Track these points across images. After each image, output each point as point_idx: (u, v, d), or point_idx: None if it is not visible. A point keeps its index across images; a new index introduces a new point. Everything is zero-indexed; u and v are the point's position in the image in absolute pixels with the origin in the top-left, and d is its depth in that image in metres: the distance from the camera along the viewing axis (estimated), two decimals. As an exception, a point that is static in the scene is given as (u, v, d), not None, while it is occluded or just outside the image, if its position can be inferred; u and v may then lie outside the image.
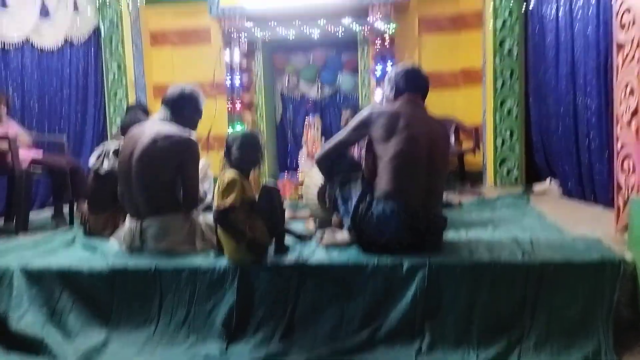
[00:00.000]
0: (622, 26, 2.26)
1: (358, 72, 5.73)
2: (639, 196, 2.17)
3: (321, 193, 3.14)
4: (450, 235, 2.75)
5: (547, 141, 4.55)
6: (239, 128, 5.54)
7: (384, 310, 2.17)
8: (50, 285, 2.40)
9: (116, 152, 3.15)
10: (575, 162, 3.85)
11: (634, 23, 2.16)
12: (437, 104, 5.53)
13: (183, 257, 2.47)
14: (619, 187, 2.40)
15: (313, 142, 6.06)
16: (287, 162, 6.39)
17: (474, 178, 5.46)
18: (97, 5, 5.41)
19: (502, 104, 5.04)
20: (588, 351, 1.96)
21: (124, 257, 2.55)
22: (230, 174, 2.29)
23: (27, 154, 3.69)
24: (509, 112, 5.03)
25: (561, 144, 4.12)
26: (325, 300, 2.24)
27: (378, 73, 5.29)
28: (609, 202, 3.12)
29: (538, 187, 4.66)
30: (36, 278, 2.42)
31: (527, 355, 1.98)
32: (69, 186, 3.73)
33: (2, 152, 3.55)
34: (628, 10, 2.21)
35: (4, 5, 4.34)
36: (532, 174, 4.99)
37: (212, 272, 2.32)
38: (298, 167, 5.97)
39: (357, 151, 3.15)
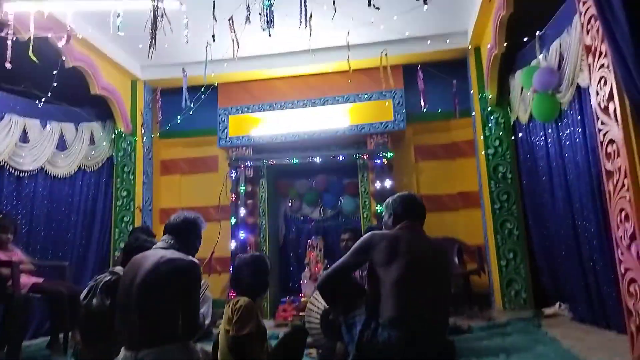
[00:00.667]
0: (608, 156, 2.40)
1: (359, 195, 5.92)
2: (650, 322, 2.11)
3: (324, 318, 3.06)
4: (460, 364, 2.63)
5: (552, 264, 4.52)
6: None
7: None
8: None
9: (105, 287, 3.13)
10: (583, 285, 3.79)
11: (618, 154, 2.30)
12: (439, 225, 5.69)
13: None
14: (630, 313, 2.34)
15: (316, 263, 6.04)
16: (289, 285, 6.29)
17: (482, 300, 5.31)
18: (112, 137, 5.77)
19: (502, 225, 5.11)
20: None
21: (116, 393, 2.40)
22: (244, 301, 2.26)
23: (27, 280, 3.69)
24: (510, 233, 5.08)
25: (566, 267, 4.09)
26: None
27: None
28: (621, 328, 3.00)
29: (548, 311, 4.51)
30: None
31: None
32: (66, 314, 3.66)
33: (4, 277, 3.54)
34: (612, 141, 2.37)
35: (25, 141, 4.66)
36: (541, 297, 4.87)
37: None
38: (300, 289, 5.87)
39: (359, 273, 3.13)
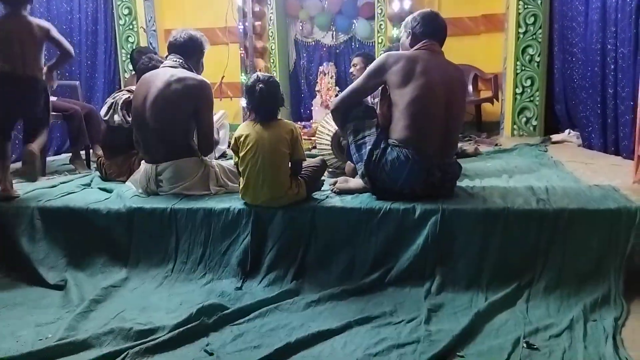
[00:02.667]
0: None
1: (374, 18, 5.55)
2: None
3: (334, 140, 3.12)
4: (464, 183, 2.75)
5: (570, 91, 4.41)
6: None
7: (396, 253, 2.20)
8: (69, 225, 2.48)
9: (125, 104, 3.15)
10: (599, 112, 3.73)
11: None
12: (456, 50, 5.35)
13: (197, 199, 2.50)
14: (640, 138, 2.34)
15: (327, 90, 5.97)
16: (300, 111, 6.33)
17: (491, 128, 5.36)
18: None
19: (523, 51, 4.85)
20: (597, 296, 1.97)
21: (140, 199, 2.59)
22: (295, 127, 2.37)
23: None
24: (531, 60, 4.85)
25: (586, 94, 3.99)
26: (337, 244, 2.27)
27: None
28: (630, 154, 3.05)
29: (556, 137, 4.56)
30: (54, 218, 2.49)
31: (536, 298, 2.00)
32: (85, 131, 3.77)
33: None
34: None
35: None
36: (551, 125, 4.88)
37: (227, 214, 2.36)
38: (312, 116, 5.92)
39: (371, 100, 3.09)
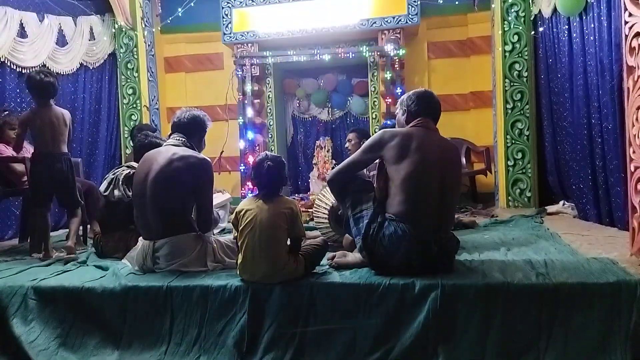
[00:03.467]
0: (632, 50, 2.27)
1: (368, 95, 5.80)
2: (654, 217, 2.15)
3: (332, 213, 3.15)
4: (463, 256, 2.74)
5: (561, 163, 4.52)
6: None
7: (396, 331, 2.15)
8: (63, 305, 2.42)
9: (126, 180, 3.21)
10: (592, 184, 3.82)
11: (643, 47, 2.17)
12: (448, 125, 5.62)
13: (194, 276, 2.48)
14: (634, 209, 2.37)
15: (324, 163, 6.11)
16: (298, 184, 6.42)
17: (487, 199, 5.44)
18: (113, 33, 5.55)
19: (512, 126, 5.04)
20: (606, 375, 1.92)
21: (136, 277, 2.55)
22: (294, 204, 2.41)
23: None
24: (520, 133, 5.03)
25: (577, 166, 4.09)
26: (336, 321, 2.22)
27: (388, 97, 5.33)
28: (625, 224, 3.07)
29: (551, 208, 4.61)
30: (49, 297, 2.44)
31: (543, 378, 1.94)
32: (84, 208, 3.78)
33: (20, 173, 3.62)
34: (638, 34, 2.23)
35: (24, 36, 4.50)
36: (545, 197, 4.95)
37: (224, 291, 2.32)
38: (309, 188, 6.00)
39: (368, 173, 3.16)
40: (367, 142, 2.52)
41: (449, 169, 2.43)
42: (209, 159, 2.80)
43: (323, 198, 3.27)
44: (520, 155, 5.05)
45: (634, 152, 2.33)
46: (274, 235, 2.30)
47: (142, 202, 2.72)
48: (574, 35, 3.95)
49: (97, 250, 3.33)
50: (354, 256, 2.53)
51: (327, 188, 2.95)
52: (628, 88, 2.35)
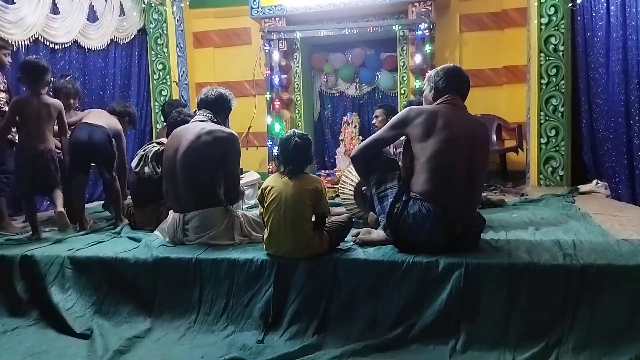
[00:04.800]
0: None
1: (397, 70, 5.70)
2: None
3: (357, 190, 3.16)
4: (489, 235, 2.72)
5: (596, 141, 4.38)
6: (277, 126, 5.61)
7: (419, 308, 2.17)
8: (97, 274, 2.54)
9: (155, 156, 3.28)
10: (626, 163, 3.69)
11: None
12: (479, 101, 5.51)
13: (222, 249, 2.55)
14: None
15: (350, 139, 6.07)
16: (324, 160, 6.43)
17: (517, 177, 5.33)
18: (142, 8, 5.60)
19: (547, 102, 4.88)
20: (631, 357, 1.90)
21: (167, 249, 2.65)
22: (320, 182, 2.44)
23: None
24: (555, 110, 4.87)
25: (612, 145, 3.96)
26: (359, 297, 2.26)
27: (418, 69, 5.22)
28: (659, 206, 2.98)
29: (584, 188, 4.49)
30: (84, 267, 2.56)
31: (565, 358, 1.93)
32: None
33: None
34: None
35: (56, 12, 4.58)
36: (579, 175, 4.82)
37: (250, 265, 2.39)
38: (335, 164, 6.00)
39: (393, 151, 3.15)
40: (393, 119, 2.50)
41: (476, 148, 2.40)
42: (236, 133, 2.85)
43: (349, 174, 3.28)
44: (553, 132, 4.90)
45: (672, 131, 2.24)
46: (299, 212, 2.33)
47: (173, 176, 2.80)
48: (612, 8, 3.77)
49: (129, 222, 3.45)
50: (378, 233, 2.55)
51: (352, 166, 2.96)
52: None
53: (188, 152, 2.73)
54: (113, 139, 3.49)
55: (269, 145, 5.70)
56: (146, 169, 3.32)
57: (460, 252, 2.27)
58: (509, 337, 2.04)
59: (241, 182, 3.14)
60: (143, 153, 3.41)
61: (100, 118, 3.54)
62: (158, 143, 3.48)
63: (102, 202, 4.20)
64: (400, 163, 2.54)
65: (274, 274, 2.33)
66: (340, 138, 6.14)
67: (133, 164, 3.41)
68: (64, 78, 4.03)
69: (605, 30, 3.94)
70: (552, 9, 4.73)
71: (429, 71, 2.61)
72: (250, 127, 5.79)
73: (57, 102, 3.30)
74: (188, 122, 3.23)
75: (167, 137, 3.51)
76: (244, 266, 2.39)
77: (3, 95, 3.38)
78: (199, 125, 2.80)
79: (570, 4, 4.61)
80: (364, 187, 2.94)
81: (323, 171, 5.79)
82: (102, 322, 2.37)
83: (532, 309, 2.07)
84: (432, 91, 2.52)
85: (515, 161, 5.46)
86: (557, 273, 2.10)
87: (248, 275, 2.37)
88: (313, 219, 2.40)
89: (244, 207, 3.70)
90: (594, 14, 4.18)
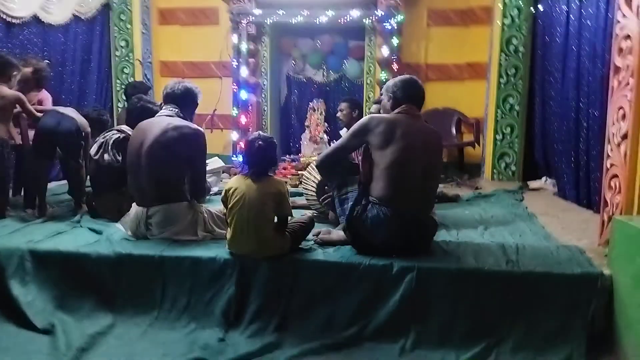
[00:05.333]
0: (620, 50, 2.32)
1: (364, 60, 5.76)
2: (621, 216, 2.27)
3: (319, 188, 3.25)
4: (441, 234, 2.89)
5: (547, 141, 4.61)
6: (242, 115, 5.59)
7: (373, 308, 2.31)
8: (58, 268, 2.54)
9: (115, 144, 3.26)
10: (573, 165, 3.93)
11: (630, 52, 2.21)
12: (442, 95, 5.68)
13: (185, 246, 2.60)
14: (605, 203, 2.50)
15: (316, 125, 6.13)
16: (289, 145, 6.47)
17: (473, 170, 5.56)
18: (107, -19, 5.40)
19: (504, 100, 5.09)
20: (562, 357, 2.11)
21: (129, 243, 2.67)
22: (283, 185, 2.50)
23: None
24: (511, 108, 5.09)
25: (561, 146, 4.19)
26: (318, 296, 2.38)
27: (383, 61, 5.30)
28: (599, 209, 3.21)
29: (533, 184, 4.76)
30: (44, 260, 2.56)
31: (504, 357, 2.12)
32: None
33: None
34: (628, 37, 2.26)
35: (14, -17, 4.36)
36: (529, 171, 5.08)
37: (213, 263, 2.46)
38: (300, 150, 6.07)
39: (356, 156, 3.26)
40: (353, 127, 2.59)
41: (431, 156, 2.53)
42: (202, 130, 2.86)
43: (312, 171, 3.36)
44: (509, 129, 5.13)
45: (611, 149, 2.43)
46: (262, 214, 2.41)
47: (137, 170, 2.80)
48: (572, 17, 3.94)
49: (89, 209, 3.42)
50: (338, 234, 2.66)
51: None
52: (612, 87, 2.41)
53: (153, 147, 2.73)
54: (82, 133, 3.43)
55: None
56: (106, 156, 3.28)
57: (414, 255, 2.41)
58: (453, 338, 2.21)
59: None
60: (103, 140, 3.35)
61: (72, 112, 3.50)
62: (118, 130, 3.42)
63: (58, 184, 4.11)
64: (360, 167, 2.64)
65: (236, 273, 2.41)
66: (305, 124, 6.18)
67: (92, 151, 3.35)
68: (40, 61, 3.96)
69: (563, 37, 4.12)
70: (516, 11, 4.89)
71: (388, 81, 2.70)
72: (215, 109, 5.74)
73: (12, 94, 3.29)
74: (148, 109, 3.27)
75: (126, 122, 3.52)
76: (207, 264, 2.45)
77: None
78: (165, 120, 2.80)
79: (532, 8, 4.77)
80: (326, 185, 3.05)
81: (288, 156, 5.86)
82: (63, 317, 2.38)
83: (476, 312, 2.25)
84: (390, 100, 2.62)
85: (472, 154, 5.67)
86: (500, 279, 2.28)
87: (211, 274, 2.44)
88: (275, 220, 2.48)
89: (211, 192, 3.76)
90: (553, 21, 4.35)
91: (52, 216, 3.33)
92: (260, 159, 2.46)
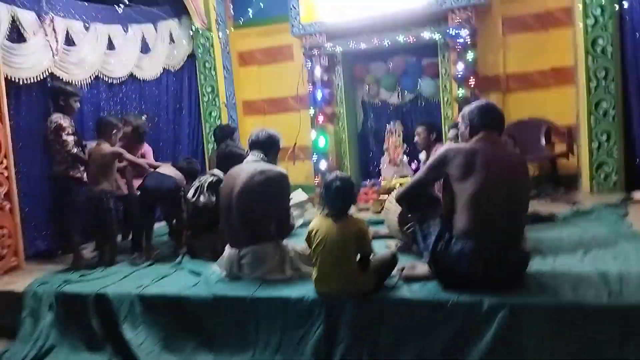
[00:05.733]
0: None
1: (439, 77, 5.67)
2: None
3: (401, 218, 3.24)
4: (536, 263, 2.72)
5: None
6: (322, 141, 5.75)
7: (464, 348, 2.26)
8: (164, 311, 2.79)
9: (210, 186, 3.51)
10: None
11: None
12: (527, 105, 5.44)
13: (274, 285, 2.72)
14: None
15: (395, 148, 6.12)
16: (369, 169, 6.50)
17: (569, 182, 5.19)
18: (191, 35, 5.86)
19: (597, 105, 4.73)
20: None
21: (224, 285, 2.86)
22: (363, 223, 2.57)
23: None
24: (605, 114, 4.71)
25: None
26: (406, 334, 2.37)
27: (460, 77, 5.19)
28: None
29: (638, 195, 4.34)
30: (152, 304, 2.82)
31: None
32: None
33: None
34: None
35: (112, 48, 4.90)
36: (633, 180, 4.65)
37: (301, 303, 2.55)
38: (380, 173, 6.07)
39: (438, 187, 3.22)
40: (432, 159, 2.57)
41: (516, 185, 2.43)
42: (285, 172, 3.02)
43: (394, 201, 3.36)
44: (605, 136, 4.75)
45: None
46: (344, 254, 2.46)
47: (228, 213, 3.03)
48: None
49: (188, 249, 3.71)
50: (423, 268, 2.63)
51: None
52: None
53: (243, 192, 2.94)
54: (181, 188, 3.79)
55: (314, 160, 5.84)
56: (202, 198, 3.56)
57: (506, 290, 2.32)
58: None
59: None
60: (199, 184, 3.65)
61: (169, 170, 3.90)
62: (212, 174, 3.71)
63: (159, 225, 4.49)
64: (442, 200, 2.61)
65: (323, 313, 2.48)
66: (384, 147, 6.19)
67: (189, 195, 3.66)
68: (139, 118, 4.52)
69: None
70: (599, 10, 4.57)
71: (464, 108, 2.65)
72: (295, 143, 5.95)
73: (111, 150, 3.72)
74: (235, 154, 3.56)
75: (217, 166, 3.80)
76: (296, 304, 2.55)
77: (72, 138, 3.72)
78: (252, 165, 3.02)
79: (616, 5, 4.43)
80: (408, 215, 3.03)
81: (368, 180, 5.89)
82: (169, 357, 2.61)
83: (577, 350, 2.10)
84: (468, 128, 2.57)
85: (566, 165, 5.31)
86: (602, 313, 2.12)
87: (300, 313, 2.53)
88: (358, 259, 2.52)
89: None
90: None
91: (157, 258, 3.66)
92: (338, 200, 2.53)
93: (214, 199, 3.48)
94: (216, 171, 3.71)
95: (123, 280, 3.14)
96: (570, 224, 3.78)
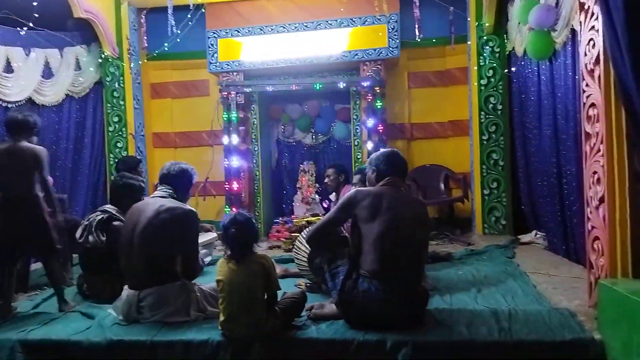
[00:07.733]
0: (589, 119, 2.44)
1: (350, 122, 5.94)
2: (606, 280, 2.31)
3: (311, 259, 3.27)
4: (435, 300, 2.90)
5: (533, 196, 4.70)
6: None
7: (369, 386, 2.29)
8: (50, 357, 2.51)
9: (99, 225, 3.30)
10: (559, 220, 4.00)
11: (598, 119, 2.34)
12: (428, 152, 5.85)
13: (177, 329, 2.58)
14: (591, 266, 2.54)
15: (307, 187, 6.25)
16: (282, 207, 6.54)
17: (464, 225, 5.62)
18: (99, 63, 5.62)
19: (488, 156, 5.23)
20: None
21: (120, 329, 2.65)
22: (267, 260, 2.50)
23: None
24: (495, 164, 5.22)
25: (546, 201, 4.28)
26: (313, 375, 2.35)
27: (370, 124, 5.48)
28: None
29: (524, 238, 4.80)
30: (36, 350, 2.53)
31: None
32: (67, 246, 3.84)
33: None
34: (593, 105, 2.39)
35: (10, 71, 4.55)
36: (520, 225, 5.13)
37: (205, 346, 2.43)
38: (293, 211, 6.13)
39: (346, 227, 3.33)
40: (341, 201, 2.66)
41: (418, 226, 2.59)
42: (195, 210, 2.91)
43: (303, 241, 3.40)
44: (495, 184, 5.24)
45: (590, 212, 2.50)
46: (250, 295, 2.42)
47: (129, 251, 2.82)
48: (543, 78, 4.14)
49: (79, 290, 3.41)
50: (331, 307, 2.66)
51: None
52: (585, 152, 2.51)
53: (147, 229, 2.76)
54: None
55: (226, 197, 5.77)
56: (90, 237, 3.30)
57: (408, 328, 2.42)
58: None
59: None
60: (87, 223, 3.38)
61: None
62: (102, 211, 3.45)
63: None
64: (349, 240, 2.69)
65: (229, 356, 2.39)
66: (297, 186, 6.30)
67: (77, 234, 3.37)
68: None
69: (537, 96, 4.31)
70: (491, 72, 5.14)
71: (372, 155, 2.81)
72: (207, 177, 5.84)
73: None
74: (130, 186, 3.43)
75: (110, 200, 3.58)
76: (199, 348, 2.43)
77: None
78: (158, 201, 2.85)
79: (506, 70, 5.02)
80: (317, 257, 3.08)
81: (281, 218, 5.92)
82: (54, 411, 2.34)
83: (472, 385, 2.23)
84: (375, 173, 2.71)
85: (462, 209, 5.75)
86: (493, 349, 2.27)
87: (204, 357, 2.42)
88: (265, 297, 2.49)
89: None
90: (527, 81, 4.56)
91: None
92: (238, 243, 2.49)
93: (104, 238, 3.26)
94: (108, 207, 3.48)
95: (4, 325, 2.79)
96: (465, 263, 4.08)
